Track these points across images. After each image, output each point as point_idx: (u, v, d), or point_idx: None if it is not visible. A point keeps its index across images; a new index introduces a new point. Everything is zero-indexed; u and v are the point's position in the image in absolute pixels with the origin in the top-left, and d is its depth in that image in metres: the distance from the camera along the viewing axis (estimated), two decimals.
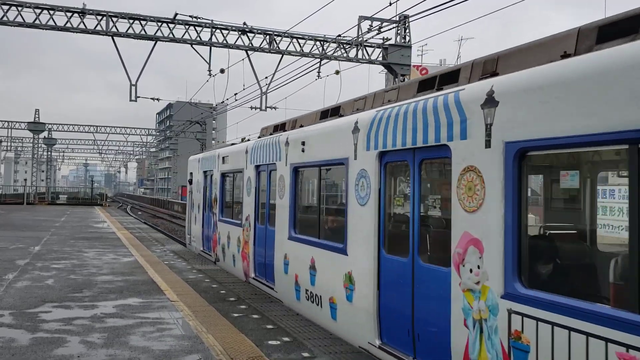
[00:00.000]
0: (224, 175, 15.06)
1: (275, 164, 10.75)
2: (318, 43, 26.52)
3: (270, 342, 7.47)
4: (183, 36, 25.25)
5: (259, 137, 13.04)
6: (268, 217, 11.38)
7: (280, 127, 12.37)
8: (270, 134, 12.32)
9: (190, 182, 18.80)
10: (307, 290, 9.08)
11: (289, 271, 9.84)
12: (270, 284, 10.92)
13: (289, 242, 9.94)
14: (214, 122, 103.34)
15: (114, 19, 24.25)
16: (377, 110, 7.19)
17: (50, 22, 23.62)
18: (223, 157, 14.84)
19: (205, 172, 16.95)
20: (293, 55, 26.28)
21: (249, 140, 14.42)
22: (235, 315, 8.98)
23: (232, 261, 13.66)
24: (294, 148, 9.77)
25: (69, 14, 23.74)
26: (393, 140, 6.68)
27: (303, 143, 9.36)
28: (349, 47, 26.57)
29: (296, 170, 9.89)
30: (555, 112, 4.48)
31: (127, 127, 76.46)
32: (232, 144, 15.68)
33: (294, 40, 26.36)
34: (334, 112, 9.83)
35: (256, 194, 12.05)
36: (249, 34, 25.93)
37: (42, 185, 67.07)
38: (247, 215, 12.51)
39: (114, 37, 24.31)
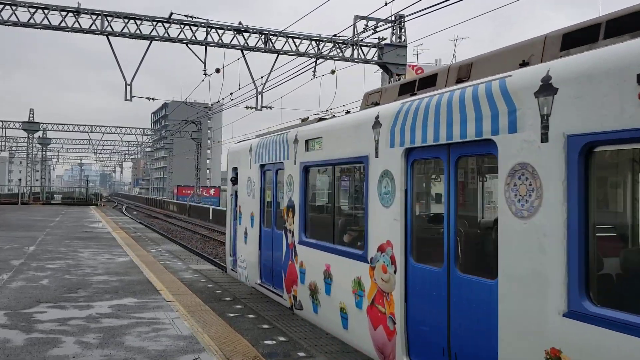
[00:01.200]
0: (308, 170, 9.62)
1: (492, 141, 5.11)
2: (314, 43, 26.54)
3: (266, 341, 7.46)
4: (178, 36, 25.24)
5: (365, 107, 8.63)
6: (454, 250, 5.75)
7: (421, 84, 7.50)
8: (397, 98, 7.58)
9: (234, 181, 13.51)
10: None
11: None
12: None
13: (589, 330, 4.07)
14: (209, 121, 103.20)
15: (109, 19, 24.23)
16: None
17: (45, 22, 23.57)
18: (307, 141, 9.47)
19: (263, 165, 11.67)
20: (289, 54, 26.30)
21: (353, 112, 8.96)
22: (231, 315, 8.97)
23: (338, 318, 7.99)
24: (572, 98, 4.29)
25: (63, 13, 23.71)
26: None
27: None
28: (345, 47, 26.59)
29: (591, 151, 4.24)
30: None
31: (122, 127, 76.40)
32: (322, 119, 9.86)
33: (290, 39, 26.38)
34: (578, 36, 5.24)
35: (407, 204, 6.58)
36: (244, 34, 25.93)
37: (36, 185, 66.93)
38: (381, 243, 6.96)
39: (109, 37, 24.29)
